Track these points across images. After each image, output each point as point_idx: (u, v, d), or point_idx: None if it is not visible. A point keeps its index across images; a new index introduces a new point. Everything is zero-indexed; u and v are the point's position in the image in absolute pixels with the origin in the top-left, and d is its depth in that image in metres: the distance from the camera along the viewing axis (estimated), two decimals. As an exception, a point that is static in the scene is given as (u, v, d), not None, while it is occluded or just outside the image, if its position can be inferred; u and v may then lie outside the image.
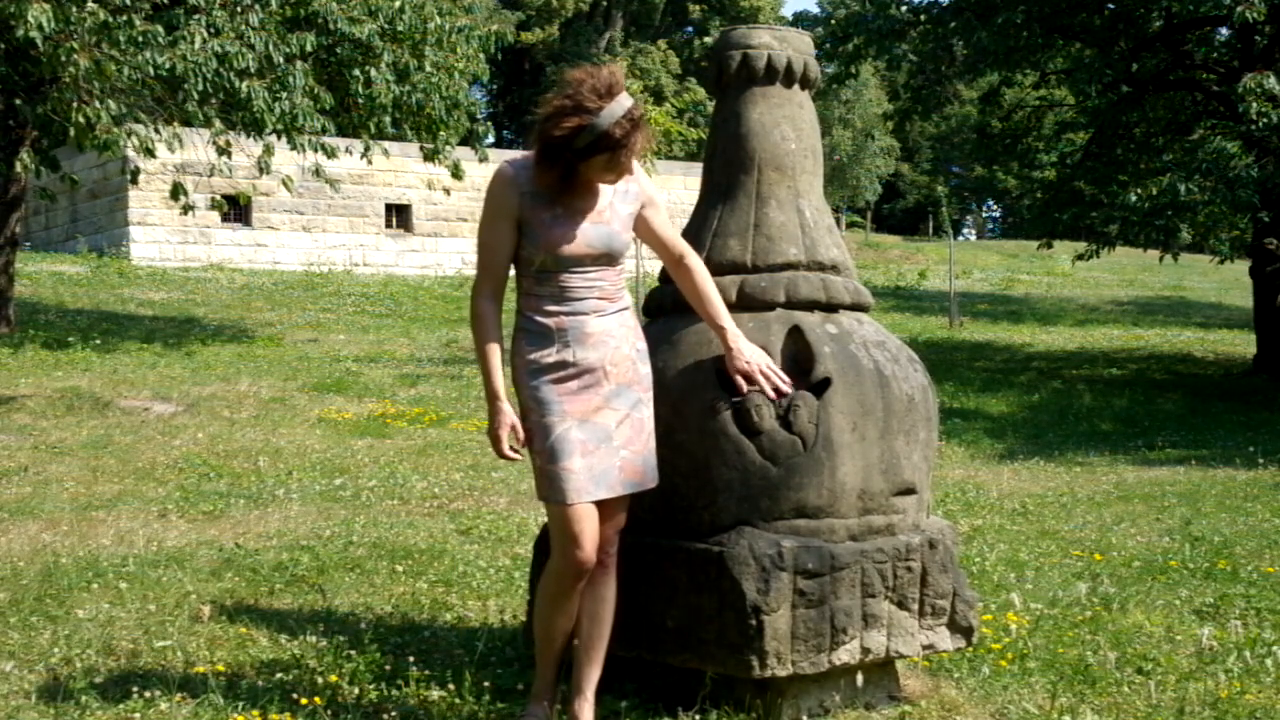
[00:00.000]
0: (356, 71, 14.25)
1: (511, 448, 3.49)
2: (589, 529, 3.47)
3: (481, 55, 15.69)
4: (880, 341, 3.95)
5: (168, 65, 11.40)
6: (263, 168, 14.17)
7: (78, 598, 5.26)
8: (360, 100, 14.39)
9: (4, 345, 14.11)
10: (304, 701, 3.85)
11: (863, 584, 3.70)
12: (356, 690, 4.02)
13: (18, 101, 12.85)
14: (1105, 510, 7.98)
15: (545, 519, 5.44)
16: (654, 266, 3.90)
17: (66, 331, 15.43)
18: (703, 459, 3.71)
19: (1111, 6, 17.42)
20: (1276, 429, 12.51)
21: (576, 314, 3.50)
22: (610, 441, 3.50)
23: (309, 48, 13.27)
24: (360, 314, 19.68)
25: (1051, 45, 18.47)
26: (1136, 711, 3.92)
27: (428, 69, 14.72)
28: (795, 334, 3.81)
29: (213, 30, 12.39)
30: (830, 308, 3.95)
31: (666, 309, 4.00)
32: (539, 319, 3.51)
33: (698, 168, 22.52)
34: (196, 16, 12.53)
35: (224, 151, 13.45)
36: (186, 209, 13.28)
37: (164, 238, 25.17)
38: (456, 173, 15.75)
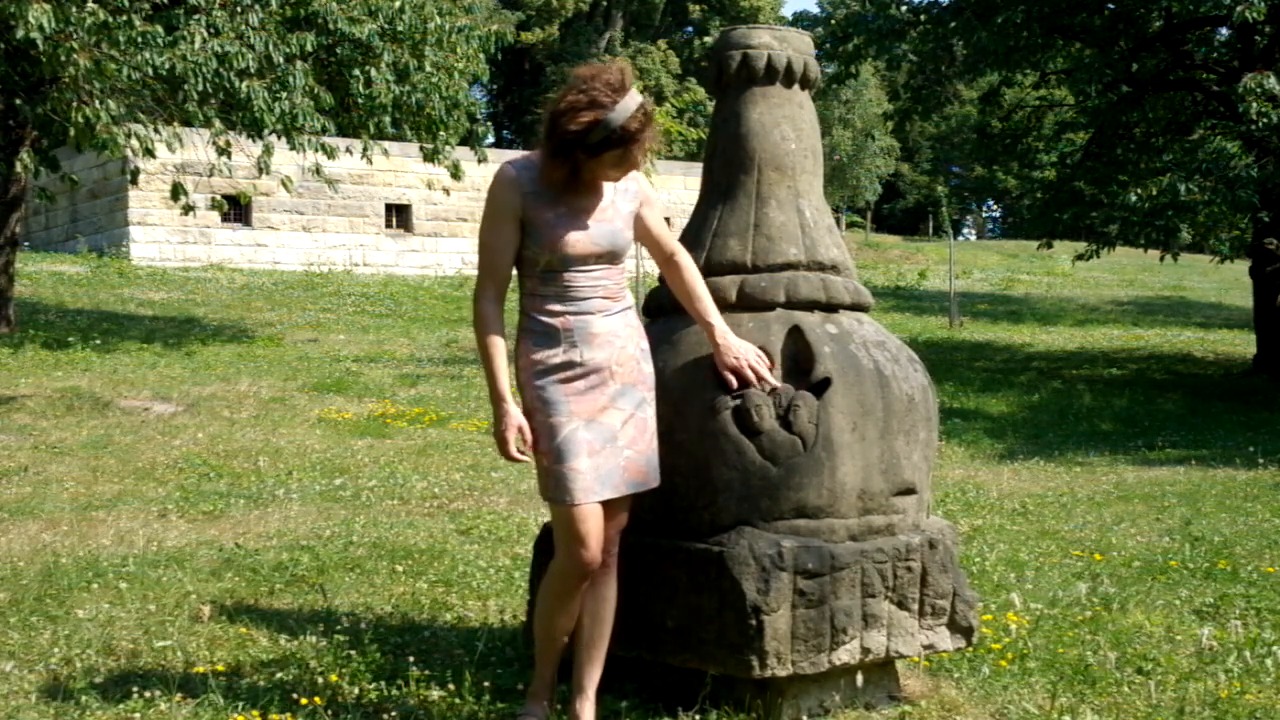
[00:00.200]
0: (356, 71, 14.25)
1: (519, 450, 3.47)
2: (595, 529, 3.47)
3: (481, 55, 15.70)
4: (880, 341, 3.95)
5: (168, 65, 11.40)
6: (262, 168, 14.17)
7: (78, 598, 5.26)
8: (360, 100, 14.39)
9: (4, 345, 14.11)
10: (304, 701, 3.85)
11: (863, 584, 3.70)
12: (356, 690, 4.02)
13: (18, 101, 12.86)
14: (1105, 510, 7.98)
15: (545, 519, 5.43)
16: (654, 267, 3.89)
17: (66, 331, 15.43)
18: (703, 459, 3.71)
19: (1111, 6, 17.43)
20: (1276, 429, 12.51)
21: (582, 314, 3.50)
22: (615, 441, 3.50)
23: (309, 48, 13.28)
24: (360, 314, 19.68)
25: (1051, 45, 18.46)
26: (1136, 711, 3.92)
27: (428, 69, 14.72)
28: (795, 334, 3.81)
29: (213, 30, 12.40)
30: (830, 308, 3.95)
31: (666, 309, 4.00)
32: (544, 319, 3.50)
33: (698, 168, 22.55)
34: (196, 16, 12.53)
35: (224, 151, 13.45)
36: (187, 209, 13.29)
37: (164, 238, 25.18)
38: (456, 173, 15.76)
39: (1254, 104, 14.13)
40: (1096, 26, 17.39)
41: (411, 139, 16.18)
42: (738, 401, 3.69)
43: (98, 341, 14.92)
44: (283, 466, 9.05)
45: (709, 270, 3.98)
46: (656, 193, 3.83)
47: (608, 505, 3.51)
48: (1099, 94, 17.26)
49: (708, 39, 48.22)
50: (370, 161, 15.59)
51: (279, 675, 4.17)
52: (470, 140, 18.38)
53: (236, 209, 24.68)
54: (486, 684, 3.95)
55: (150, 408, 11.25)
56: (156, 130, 12.52)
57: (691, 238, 4.09)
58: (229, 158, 13.58)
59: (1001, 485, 9.10)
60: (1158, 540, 6.88)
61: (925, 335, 20.31)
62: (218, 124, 12.88)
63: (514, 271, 3.57)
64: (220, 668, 4.24)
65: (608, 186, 3.55)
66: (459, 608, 5.15)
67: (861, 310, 4.08)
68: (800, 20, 22.88)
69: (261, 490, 8.15)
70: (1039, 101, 21.93)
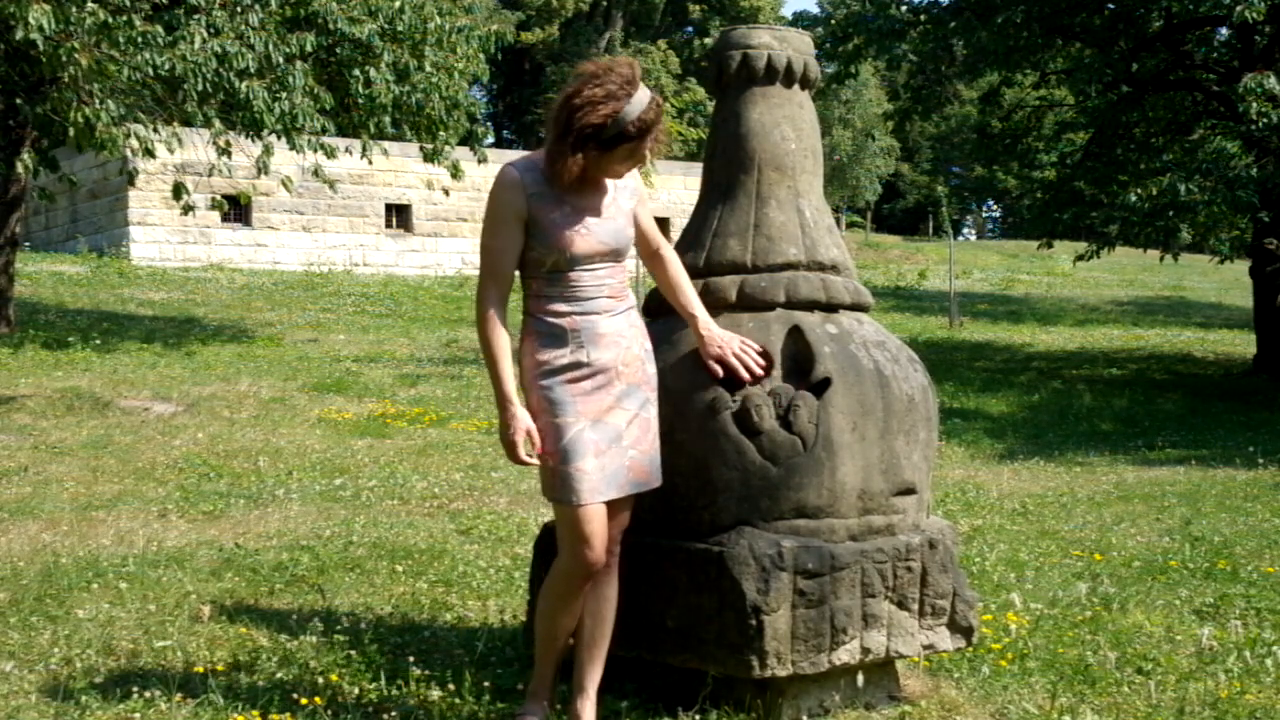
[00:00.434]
0: (356, 71, 14.25)
1: (527, 453, 3.46)
2: (600, 529, 3.47)
3: (481, 55, 15.69)
4: (880, 341, 3.95)
5: (168, 65, 11.40)
6: (261, 168, 14.17)
7: (78, 598, 5.26)
8: (360, 100, 14.39)
9: (4, 345, 14.11)
10: (304, 701, 3.85)
11: (863, 584, 3.70)
12: (356, 690, 4.02)
13: (18, 101, 12.85)
14: (1105, 510, 7.98)
15: (545, 519, 5.43)
16: (654, 267, 3.89)
17: (66, 331, 15.43)
18: (703, 459, 3.71)
19: (1111, 6, 17.42)
20: (1276, 429, 12.51)
21: (588, 314, 3.49)
22: (620, 442, 3.50)
23: (309, 48, 13.28)
24: (360, 314, 19.68)
25: (1051, 45, 18.46)
26: (1136, 711, 3.92)
27: (428, 69, 14.73)
28: (795, 334, 3.81)
29: (213, 30, 12.40)
30: (830, 308, 3.95)
31: (667, 309, 4.00)
32: (551, 320, 3.49)
33: (698, 168, 22.57)
34: (196, 16, 12.53)
35: (224, 151, 13.45)
36: (187, 209, 13.28)
37: (164, 238, 25.18)
38: (456, 173, 15.76)
39: (1254, 104, 14.13)
40: (1096, 26, 17.39)
41: (411, 139, 16.18)
42: (738, 403, 3.69)
43: (98, 341, 14.92)
44: (283, 466, 9.05)
45: (709, 270, 3.98)
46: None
47: (611, 505, 3.51)
48: (1099, 94, 17.26)
49: (708, 39, 48.23)
50: (370, 161, 15.59)
51: (279, 675, 4.17)
52: (470, 140, 18.40)
53: (236, 209, 24.68)
54: (486, 684, 3.95)
55: (150, 408, 11.25)
56: (156, 130, 12.52)
57: (691, 238, 4.09)
58: (229, 158, 13.58)
59: (1001, 485, 9.10)
60: (1158, 540, 6.88)
61: (925, 335, 20.31)
62: (218, 124, 12.87)
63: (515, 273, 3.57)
64: (220, 668, 4.24)
65: (609, 184, 3.55)
66: (459, 608, 5.15)
67: (861, 310, 4.08)
68: (800, 20, 22.84)
69: (261, 490, 8.15)
70: (1039, 101, 21.92)
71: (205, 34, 12.15)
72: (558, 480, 3.45)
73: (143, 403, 11.45)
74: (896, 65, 20.70)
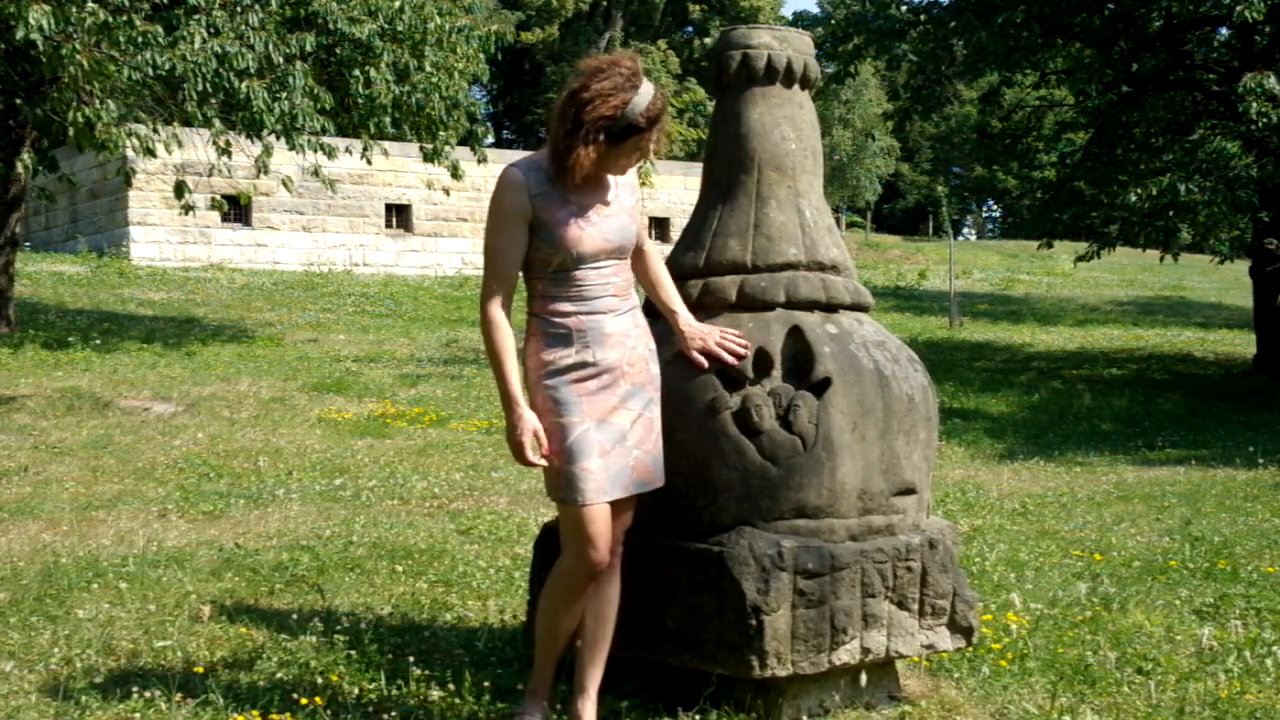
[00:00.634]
0: (356, 71, 14.24)
1: (534, 453, 3.44)
2: (605, 529, 3.47)
3: (481, 55, 15.69)
4: (880, 341, 3.95)
5: (168, 65, 11.39)
6: (261, 168, 14.17)
7: (78, 598, 5.26)
8: (360, 100, 14.38)
9: (4, 345, 14.11)
10: (304, 701, 3.85)
11: (863, 584, 3.70)
12: (356, 690, 4.02)
13: (18, 101, 12.85)
14: (1105, 510, 7.98)
15: (545, 519, 5.43)
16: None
17: (66, 331, 15.43)
18: (703, 459, 3.71)
19: (1111, 6, 17.43)
20: (1276, 429, 12.52)
21: (594, 313, 3.49)
22: (624, 441, 3.50)
23: (309, 48, 13.27)
24: (360, 314, 19.68)
25: (1051, 45, 18.47)
26: (1136, 711, 3.92)
27: (428, 69, 14.72)
28: (795, 334, 3.81)
29: (213, 30, 12.39)
30: (830, 308, 3.95)
31: (667, 309, 4.01)
32: (557, 320, 3.49)
33: (698, 168, 22.55)
34: (196, 16, 12.53)
35: (224, 151, 13.45)
36: (187, 209, 13.29)
37: (164, 238, 25.17)
38: (456, 173, 15.75)
39: (1254, 104, 14.14)
40: (1096, 26, 17.39)
41: (411, 139, 16.17)
42: (738, 403, 3.69)
43: (98, 341, 14.92)
44: (283, 466, 9.05)
45: (709, 270, 3.98)
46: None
47: (614, 505, 3.51)
48: (1099, 94, 17.26)
49: (708, 39, 48.23)
50: (370, 161, 15.58)
51: (279, 675, 4.17)
52: (470, 140, 18.36)
53: (236, 209, 24.67)
54: (486, 684, 3.95)
55: (150, 408, 11.25)
56: (156, 130, 12.51)
57: (691, 238, 4.09)
58: (229, 158, 13.58)
59: (1001, 485, 9.10)
60: (1158, 540, 6.88)
61: (925, 335, 20.31)
62: (218, 124, 12.87)
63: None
64: (220, 668, 4.24)
65: (611, 181, 3.56)
66: (459, 608, 5.15)
67: (861, 310, 4.08)
68: (800, 20, 22.85)
69: (261, 490, 8.15)
70: (1039, 101, 21.92)
71: (205, 34, 12.15)
72: (563, 480, 3.45)
73: (143, 403, 11.45)
74: (896, 65, 20.69)
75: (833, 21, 20.70)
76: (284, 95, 12.74)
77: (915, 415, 3.88)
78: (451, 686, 3.97)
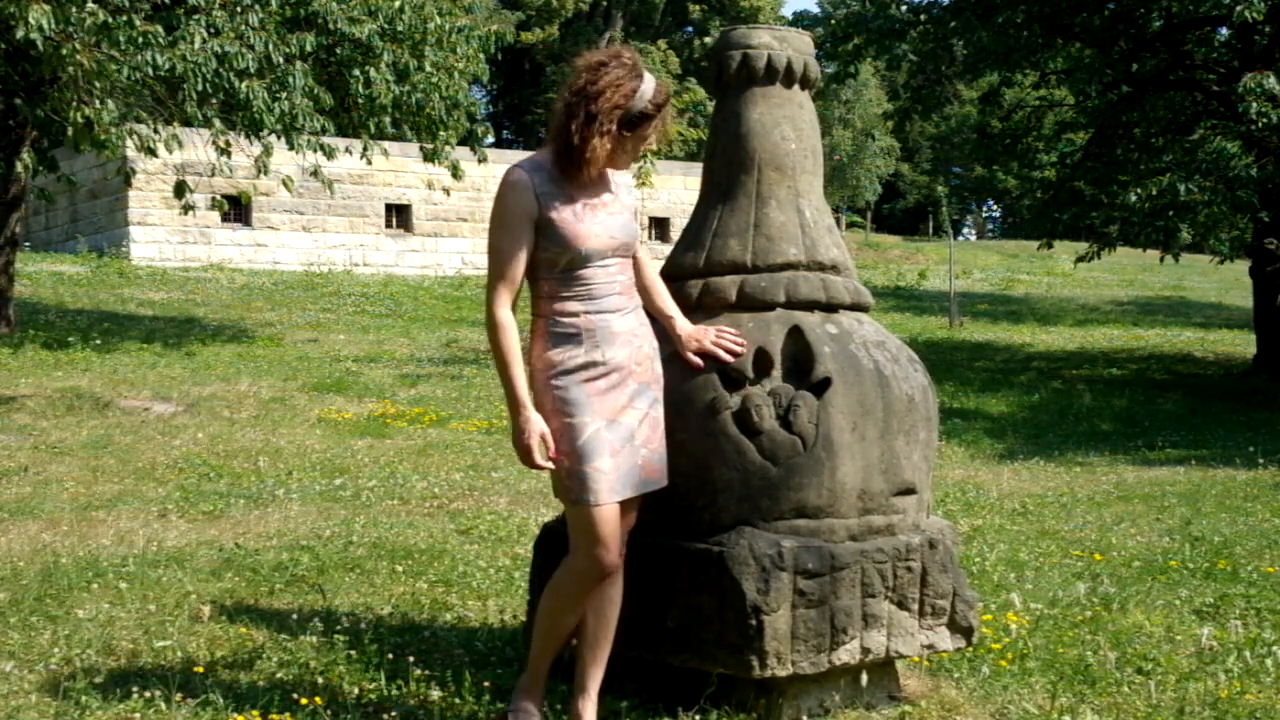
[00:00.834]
0: (356, 71, 14.24)
1: (542, 457, 3.43)
2: (616, 530, 3.47)
3: (481, 55, 15.69)
4: (880, 341, 3.95)
5: (168, 65, 11.39)
6: (261, 168, 14.17)
7: (78, 598, 5.26)
8: (360, 100, 14.38)
9: (4, 345, 14.11)
10: (304, 701, 3.85)
11: (863, 584, 3.70)
12: (356, 690, 4.02)
13: (18, 101, 12.85)
14: (1105, 510, 7.98)
15: (544, 519, 5.43)
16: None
17: (66, 331, 15.43)
18: (703, 459, 3.71)
19: (1111, 6, 17.43)
20: (1276, 429, 12.52)
21: (603, 312, 3.49)
22: (632, 441, 3.50)
23: (309, 48, 13.26)
24: (360, 314, 19.68)
25: (1051, 45, 18.46)
26: (1136, 711, 3.92)
27: (428, 69, 14.71)
28: (795, 334, 3.82)
29: (213, 30, 12.39)
30: (830, 308, 3.95)
31: (666, 309, 4.01)
32: (565, 319, 3.48)
33: (698, 168, 22.54)
34: (196, 16, 12.52)
35: (224, 151, 13.45)
36: (187, 209, 13.28)
37: (164, 238, 25.17)
38: (456, 173, 15.75)
39: (1254, 104, 14.13)
40: (1096, 26, 17.38)
41: (411, 139, 16.17)
42: (738, 403, 3.69)
43: (98, 341, 14.92)
44: (283, 466, 9.05)
45: (709, 270, 3.98)
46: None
47: (621, 505, 3.51)
48: (1099, 94, 17.26)
49: (708, 39, 48.23)
50: (370, 161, 15.57)
51: (279, 675, 4.17)
52: (470, 140, 18.37)
53: (236, 209, 24.67)
54: (486, 684, 3.95)
55: (150, 408, 11.25)
56: (156, 130, 12.51)
57: (691, 238, 4.09)
58: (229, 158, 13.57)
59: (1001, 485, 9.10)
60: (1158, 540, 6.88)
61: (925, 335, 20.31)
62: (218, 124, 12.86)
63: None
64: (220, 668, 4.24)
65: (612, 179, 3.57)
66: (459, 608, 5.16)
67: (861, 310, 4.08)
68: (800, 20, 22.86)
69: (261, 490, 8.15)
70: (1039, 101, 21.92)
71: (205, 34, 12.14)
72: (574, 481, 3.44)
73: (143, 403, 11.45)
74: (896, 65, 20.69)
75: (833, 21, 20.70)
76: (284, 95, 12.74)
77: (915, 415, 3.88)
78: (451, 686, 3.97)
